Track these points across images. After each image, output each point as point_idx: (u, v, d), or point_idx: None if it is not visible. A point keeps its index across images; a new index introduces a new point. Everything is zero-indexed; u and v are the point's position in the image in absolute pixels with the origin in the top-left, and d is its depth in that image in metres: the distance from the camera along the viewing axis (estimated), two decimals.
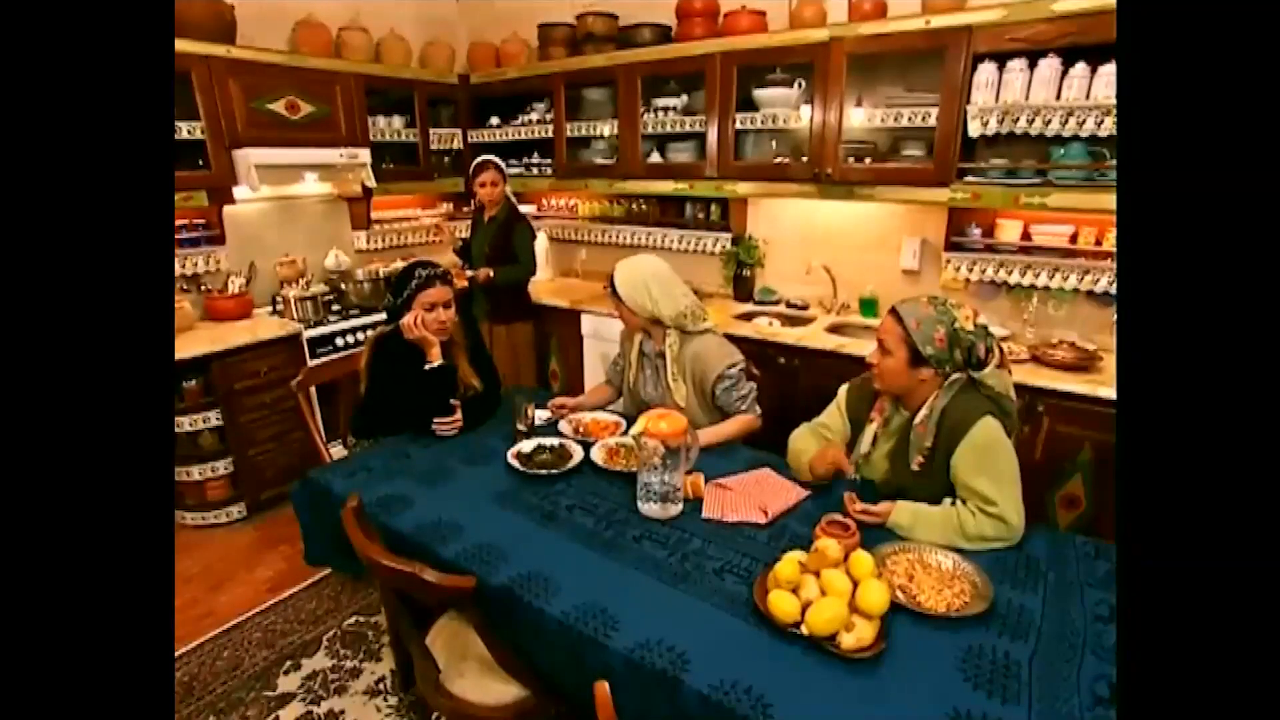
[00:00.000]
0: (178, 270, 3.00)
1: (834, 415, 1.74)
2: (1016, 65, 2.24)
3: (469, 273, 3.20)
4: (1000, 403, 1.48)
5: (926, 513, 1.43)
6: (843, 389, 1.76)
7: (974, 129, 2.34)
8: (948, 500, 1.45)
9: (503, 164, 3.23)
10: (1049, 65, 2.19)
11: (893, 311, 1.52)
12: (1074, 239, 2.41)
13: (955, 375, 1.50)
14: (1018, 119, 2.26)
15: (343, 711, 1.93)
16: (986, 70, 2.29)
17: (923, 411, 1.50)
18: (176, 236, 2.98)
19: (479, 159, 3.22)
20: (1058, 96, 2.20)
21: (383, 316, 2.16)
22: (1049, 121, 2.21)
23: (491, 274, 3.13)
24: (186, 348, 2.68)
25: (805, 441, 1.71)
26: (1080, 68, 2.14)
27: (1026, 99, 2.24)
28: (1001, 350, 1.51)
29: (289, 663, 2.12)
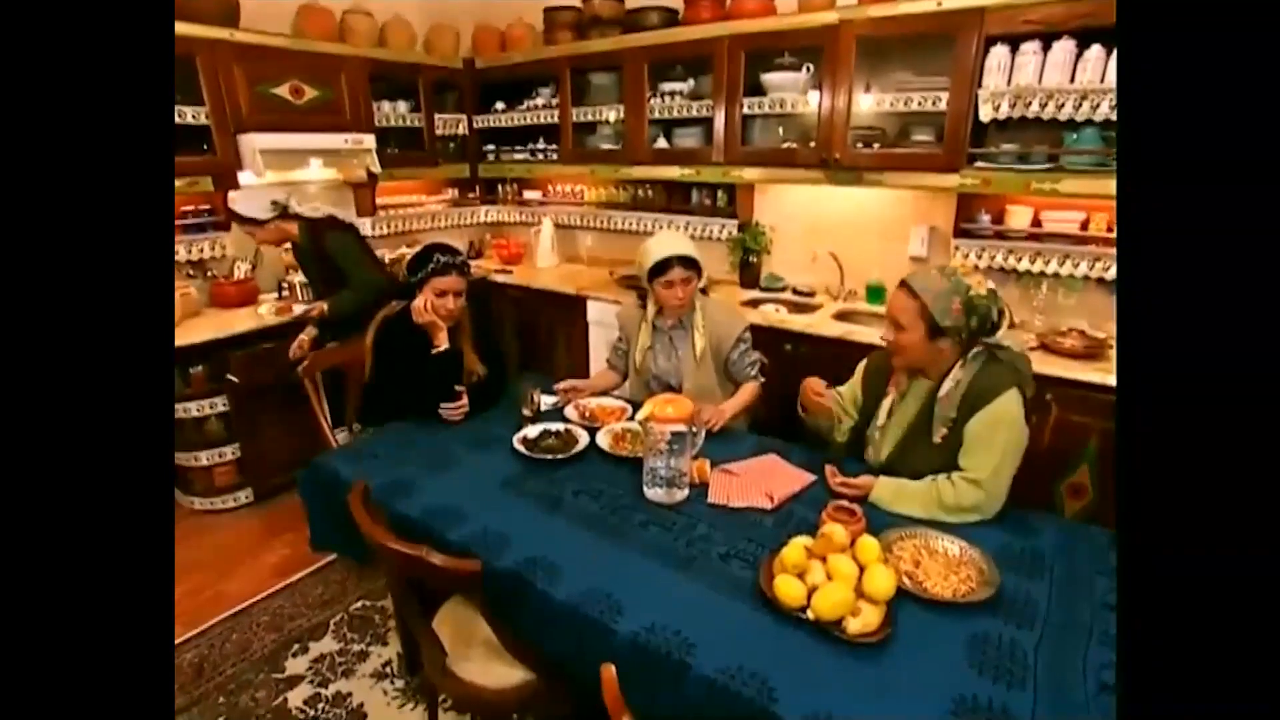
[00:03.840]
0: (183, 256, 3.00)
1: (852, 388, 1.78)
2: (1030, 48, 2.20)
3: (298, 309, 2.80)
4: (1018, 366, 1.49)
5: (908, 487, 1.47)
6: (862, 363, 1.79)
7: (985, 113, 2.30)
8: (929, 477, 1.48)
9: (241, 207, 2.57)
10: (1063, 48, 2.15)
11: (904, 285, 1.52)
12: (1085, 225, 2.38)
13: (976, 349, 1.50)
14: (1030, 103, 2.22)
15: (350, 694, 1.95)
16: (999, 53, 2.26)
17: (947, 384, 1.51)
18: (182, 222, 2.97)
19: None
20: (1071, 80, 2.16)
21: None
22: (1062, 105, 2.17)
23: (324, 308, 2.61)
24: (193, 334, 2.68)
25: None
26: (1095, 50, 2.10)
27: (1039, 82, 2.20)
28: (1009, 310, 1.56)
29: (297, 646, 2.14)
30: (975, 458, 1.44)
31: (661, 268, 1.98)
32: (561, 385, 2.11)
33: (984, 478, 1.41)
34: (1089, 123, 2.20)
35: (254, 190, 2.67)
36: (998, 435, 1.44)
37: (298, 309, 2.86)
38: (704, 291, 2.11)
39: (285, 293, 3.23)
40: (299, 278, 3.14)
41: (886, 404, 1.65)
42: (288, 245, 2.80)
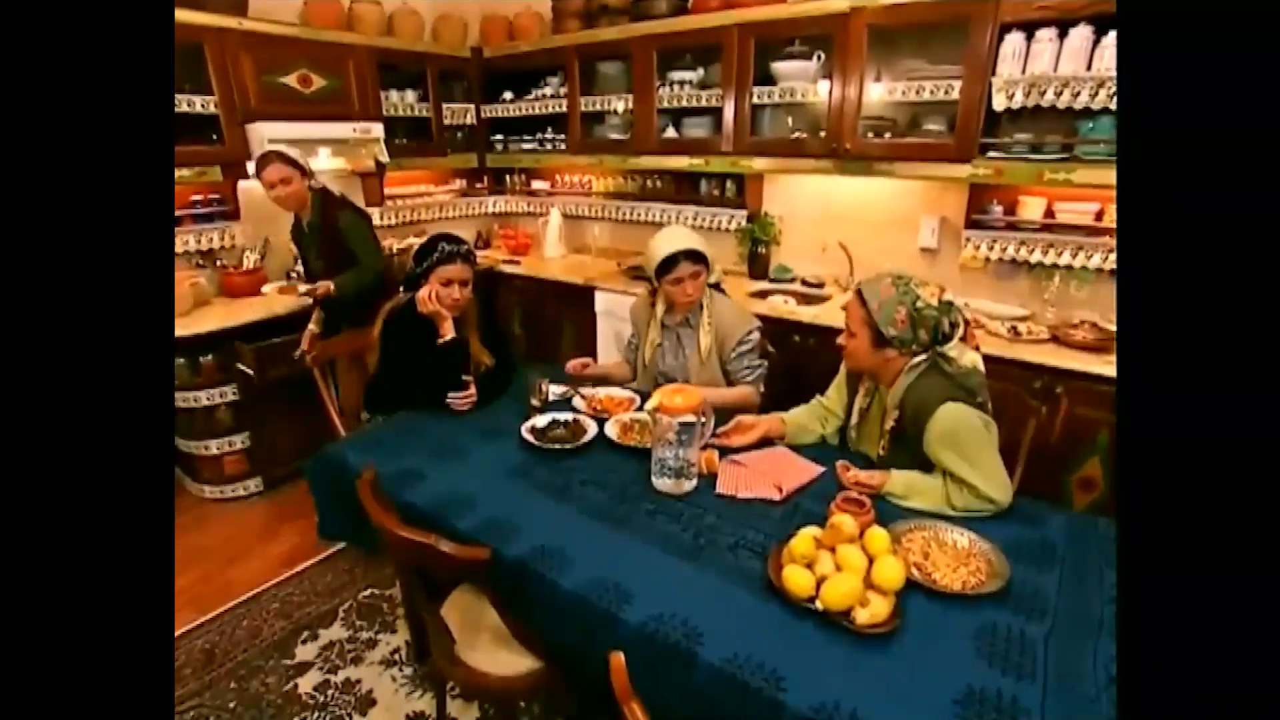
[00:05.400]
0: (193, 246, 3.00)
1: (836, 387, 1.78)
2: (1045, 35, 2.17)
3: (302, 289, 2.72)
4: (964, 381, 1.46)
5: (921, 482, 1.46)
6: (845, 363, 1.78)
7: (999, 102, 2.27)
8: (939, 471, 1.46)
9: (293, 153, 2.54)
10: (1080, 34, 2.11)
11: (857, 291, 1.54)
12: (1099, 216, 2.35)
13: (918, 358, 1.49)
14: (1045, 91, 2.19)
15: (359, 681, 1.97)
16: (1013, 41, 2.22)
17: (890, 399, 1.52)
18: (191, 212, 2.98)
19: (261, 153, 2.53)
20: (1088, 67, 2.12)
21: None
22: (1078, 94, 2.14)
23: (331, 287, 2.59)
24: (202, 323, 2.69)
25: (795, 415, 1.79)
26: (1113, 37, 2.06)
27: (1055, 70, 2.17)
28: (968, 323, 1.51)
29: (306, 633, 2.16)
30: (960, 472, 1.40)
31: (668, 265, 1.94)
32: (575, 362, 2.11)
33: (980, 487, 1.39)
34: (1105, 111, 2.16)
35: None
36: (962, 443, 1.40)
37: (303, 288, 2.79)
38: (720, 289, 2.07)
39: (295, 281, 3.23)
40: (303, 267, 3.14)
41: (856, 405, 1.68)
42: (286, 231, 2.79)
